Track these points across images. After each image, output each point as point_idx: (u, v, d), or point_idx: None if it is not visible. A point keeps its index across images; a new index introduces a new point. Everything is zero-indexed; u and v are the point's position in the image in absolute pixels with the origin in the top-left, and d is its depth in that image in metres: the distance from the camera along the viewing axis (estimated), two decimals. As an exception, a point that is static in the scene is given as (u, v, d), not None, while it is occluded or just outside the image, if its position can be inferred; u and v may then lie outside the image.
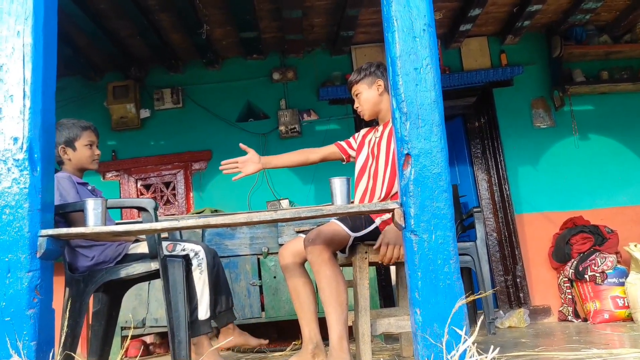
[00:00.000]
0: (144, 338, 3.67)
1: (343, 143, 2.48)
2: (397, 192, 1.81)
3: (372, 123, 2.41)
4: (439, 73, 1.60)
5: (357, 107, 2.35)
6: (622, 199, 4.51)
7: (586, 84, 4.52)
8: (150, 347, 3.69)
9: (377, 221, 2.12)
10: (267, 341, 2.60)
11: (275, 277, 3.39)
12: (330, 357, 1.91)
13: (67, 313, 1.82)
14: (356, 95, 2.33)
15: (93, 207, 1.60)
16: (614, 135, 4.62)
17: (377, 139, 2.27)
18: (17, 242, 1.49)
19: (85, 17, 3.71)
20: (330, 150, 2.49)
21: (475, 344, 1.39)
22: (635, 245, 3.72)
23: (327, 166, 4.39)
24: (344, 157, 2.48)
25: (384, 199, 2.16)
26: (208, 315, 2.16)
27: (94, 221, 1.59)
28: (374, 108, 2.29)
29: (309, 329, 2.10)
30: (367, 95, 2.28)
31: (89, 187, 2.30)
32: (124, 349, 1.77)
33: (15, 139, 1.56)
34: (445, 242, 1.49)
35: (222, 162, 2.33)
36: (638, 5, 4.22)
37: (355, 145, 2.44)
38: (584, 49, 4.52)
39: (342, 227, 2.03)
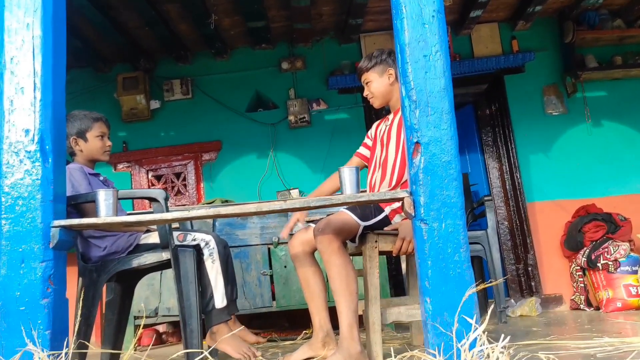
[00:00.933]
0: (156, 327, 3.72)
1: (361, 149, 2.47)
2: (407, 181, 1.81)
3: (382, 112, 2.40)
4: (449, 60, 1.59)
5: (367, 95, 2.33)
6: (635, 186, 4.46)
7: (599, 70, 4.45)
8: (163, 336, 3.73)
9: (387, 210, 2.12)
10: (265, 340, 2.60)
11: (285, 267, 3.41)
12: (340, 345, 1.91)
13: (81, 302, 1.85)
14: (366, 83, 2.31)
15: (104, 198, 1.61)
16: (628, 122, 4.55)
17: (387, 128, 2.27)
18: (30, 233, 1.51)
19: (93, 9, 3.72)
20: (354, 163, 2.47)
21: (486, 333, 1.38)
22: (649, 233, 3.69)
23: (337, 155, 4.42)
24: (366, 163, 2.45)
25: (394, 188, 2.16)
26: (225, 303, 2.17)
27: (105, 212, 1.60)
28: (385, 97, 2.28)
29: (319, 317, 2.11)
30: (377, 84, 2.26)
31: (101, 178, 2.32)
32: (137, 337, 1.79)
33: (27, 131, 1.57)
34: (455, 231, 1.48)
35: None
36: (653, -11, 4.15)
37: (370, 144, 2.43)
38: (597, 34, 4.44)
39: (352, 217, 2.03)
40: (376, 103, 2.31)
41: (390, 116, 2.31)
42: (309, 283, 2.16)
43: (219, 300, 2.16)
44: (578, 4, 4.35)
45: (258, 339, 2.46)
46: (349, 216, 2.03)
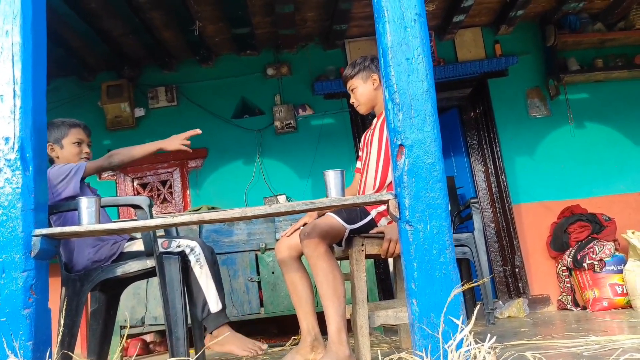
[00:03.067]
0: (143, 337, 3.68)
1: (358, 163, 2.47)
2: (392, 183, 1.81)
3: (368, 117, 2.42)
4: (431, 63, 1.59)
5: (353, 102, 2.35)
6: (618, 186, 4.52)
7: (581, 73, 4.51)
8: (150, 346, 3.69)
9: (373, 213, 2.13)
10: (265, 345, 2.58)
11: (273, 273, 3.39)
12: (329, 350, 1.90)
13: (64, 312, 1.82)
14: (352, 90, 2.33)
15: (87, 206, 1.59)
16: (610, 123, 4.61)
17: (371, 132, 2.29)
18: (11, 242, 1.49)
19: (77, 18, 3.70)
20: (357, 179, 2.45)
21: (472, 333, 1.39)
22: (633, 233, 3.73)
23: (323, 160, 4.42)
24: None
25: (379, 190, 2.17)
26: (220, 306, 2.15)
27: (87, 220, 1.58)
28: (370, 103, 2.30)
29: (306, 322, 2.11)
30: (362, 90, 2.29)
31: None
32: (120, 346, 1.76)
33: (7, 139, 1.55)
34: (441, 232, 1.48)
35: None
36: (631, -8, 4.22)
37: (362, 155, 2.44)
38: (578, 37, 4.51)
39: (338, 220, 2.03)
40: (362, 109, 2.33)
41: (375, 120, 2.33)
42: (297, 288, 2.15)
43: (214, 304, 2.14)
44: (559, 8, 4.41)
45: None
46: (335, 220, 2.02)
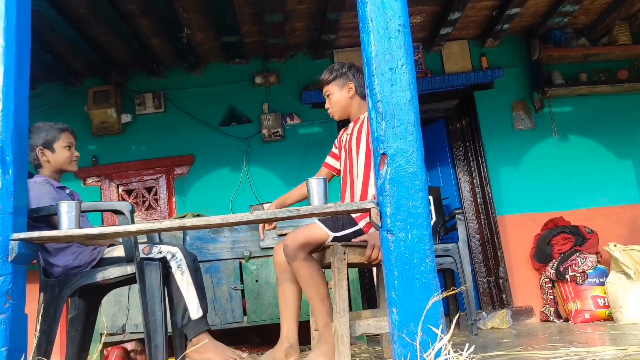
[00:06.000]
0: (124, 345, 3.63)
1: (329, 159, 2.50)
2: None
3: (347, 123, 2.43)
4: (414, 73, 1.61)
5: (327, 108, 2.36)
6: (601, 199, 4.57)
7: (565, 86, 4.58)
8: (131, 354, 3.64)
9: (361, 223, 2.13)
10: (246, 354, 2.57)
11: (257, 281, 3.37)
12: (318, 343, 2.01)
13: (41, 318, 1.79)
14: (327, 95, 2.34)
15: (67, 210, 1.57)
16: (593, 137, 4.68)
17: (349, 137, 2.30)
18: (-13, 246, 1.47)
19: (64, 23, 3.68)
20: (323, 174, 2.49)
21: (451, 342, 1.39)
22: (615, 245, 3.76)
23: (310, 169, 4.42)
24: (335, 173, 2.48)
25: (363, 195, 2.17)
26: (201, 313, 2.13)
27: (67, 224, 1.57)
28: (344, 110, 2.31)
29: (287, 327, 2.15)
30: (337, 97, 2.30)
31: (67, 191, 2.27)
32: (97, 353, 1.74)
33: (-14, 142, 1.53)
34: (422, 241, 1.49)
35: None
36: (614, 9, 4.29)
37: (337, 153, 2.45)
38: (563, 51, 4.58)
39: (322, 228, 2.04)
40: (336, 116, 2.34)
41: (351, 125, 2.34)
42: (286, 293, 2.20)
43: (194, 311, 2.12)
44: (544, 23, 4.48)
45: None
46: (318, 227, 2.04)
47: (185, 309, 2.11)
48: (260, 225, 2.32)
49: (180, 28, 3.88)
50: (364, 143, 2.17)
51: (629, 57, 4.76)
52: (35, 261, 1.75)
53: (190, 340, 2.09)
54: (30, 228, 1.63)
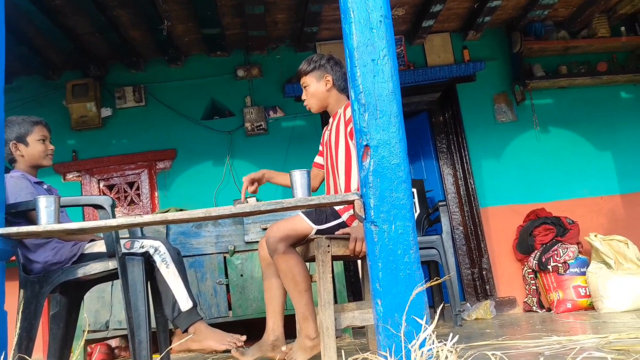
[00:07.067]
0: (108, 342, 3.59)
1: (317, 158, 2.49)
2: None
3: (328, 116, 2.41)
4: (397, 64, 1.60)
5: (304, 99, 2.33)
6: (582, 190, 4.63)
7: (546, 79, 4.62)
8: (115, 351, 3.61)
9: (345, 216, 2.12)
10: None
11: (242, 276, 3.36)
12: (298, 336, 2.04)
13: (21, 315, 1.76)
14: (304, 87, 2.31)
15: (45, 205, 1.54)
16: (574, 128, 4.74)
17: (329, 133, 2.29)
18: (-37, 243, 1.43)
19: (40, 15, 3.60)
20: (314, 174, 2.46)
21: (436, 333, 1.39)
22: (596, 236, 3.83)
23: (295, 162, 4.40)
24: (324, 171, 2.45)
25: (346, 189, 2.17)
26: (191, 304, 2.09)
27: (46, 219, 1.54)
28: (321, 103, 2.29)
29: (273, 320, 2.17)
30: (314, 89, 2.27)
31: (45, 187, 2.23)
32: (79, 350, 1.71)
33: (-40, 136, 1.50)
34: (405, 232, 1.49)
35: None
36: (593, 2, 4.34)
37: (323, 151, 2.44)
38: (543, 44, 4.62)
39: (305, 220, 2.04)
40: (313, 108, 2.31)
41: (330, 120, 2.33)
42: (272, 287, 2.21)
43: (184, 302, 2.08)
44: (525, 16, 4.51)
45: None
46: (301, 220, 2.03)
47: (175, 302, 2.08)
48: (244, 187, 2.24)
49: (160, 20, 3.82)
50: (343, 137, 2.16)
51: (608, 50, 4.82)
52: (14, 257, 1.72)
53: (186, 331, 2.07)
54: (8, 224, 1.59)
